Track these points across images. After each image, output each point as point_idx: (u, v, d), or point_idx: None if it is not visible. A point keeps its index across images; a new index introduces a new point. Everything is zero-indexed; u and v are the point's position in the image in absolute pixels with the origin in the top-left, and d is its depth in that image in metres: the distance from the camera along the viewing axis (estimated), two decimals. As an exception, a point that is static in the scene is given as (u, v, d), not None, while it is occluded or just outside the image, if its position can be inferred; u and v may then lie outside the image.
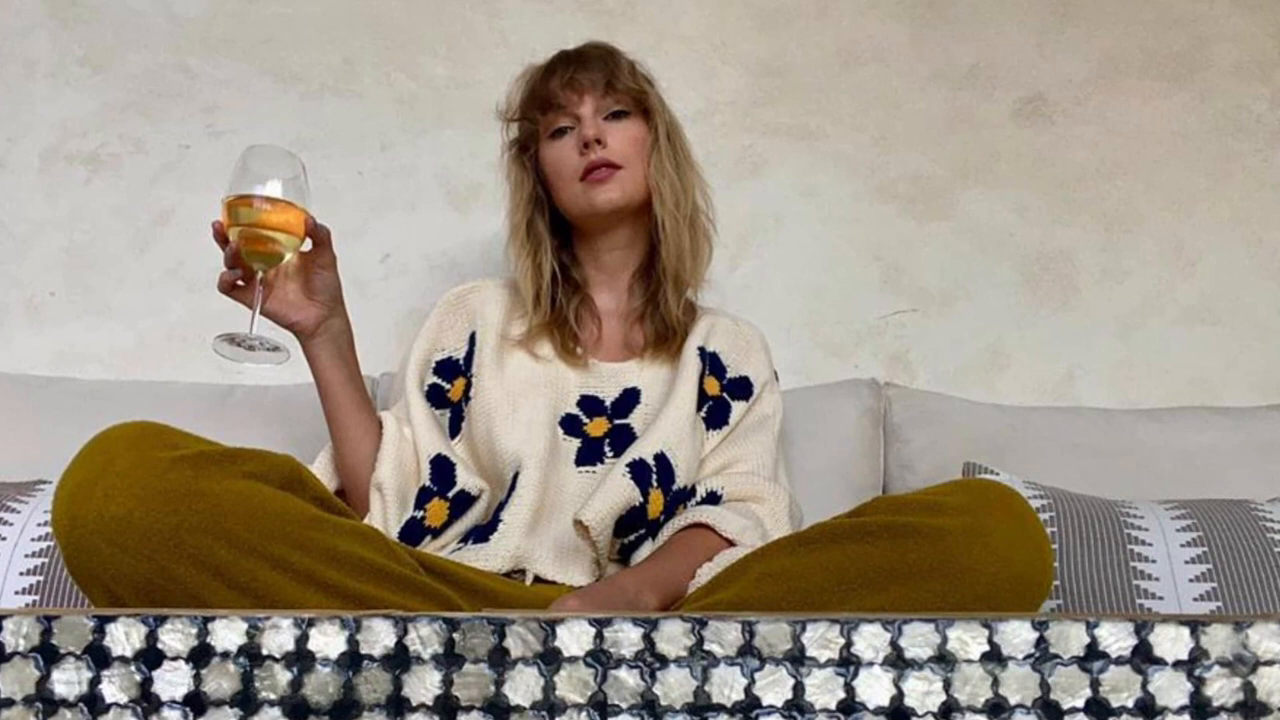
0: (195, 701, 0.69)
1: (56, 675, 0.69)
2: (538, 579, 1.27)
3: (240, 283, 1.26)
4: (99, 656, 0.69)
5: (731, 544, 1.26)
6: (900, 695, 0.69)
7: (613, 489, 1.26)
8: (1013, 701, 0.69)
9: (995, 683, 0.69)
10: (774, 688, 0.69)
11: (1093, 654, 0.70)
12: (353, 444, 1.35)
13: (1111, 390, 1.89)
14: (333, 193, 1.92)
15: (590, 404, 1.41)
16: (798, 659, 0.69)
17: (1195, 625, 0.70)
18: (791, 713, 0.69)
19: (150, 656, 0.69)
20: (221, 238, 1.23)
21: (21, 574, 1.37)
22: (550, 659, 0.69)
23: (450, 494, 1.33)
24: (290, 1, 2.01)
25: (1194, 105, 1.98)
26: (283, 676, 0.69)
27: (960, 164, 1.97)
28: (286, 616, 0.70)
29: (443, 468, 1.34)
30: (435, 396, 1.43)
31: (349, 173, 1.96)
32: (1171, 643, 0.70)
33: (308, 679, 0.69)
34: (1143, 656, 0.70)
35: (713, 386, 1.44)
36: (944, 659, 0.70)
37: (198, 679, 0.69)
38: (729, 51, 2.00)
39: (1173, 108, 1.98)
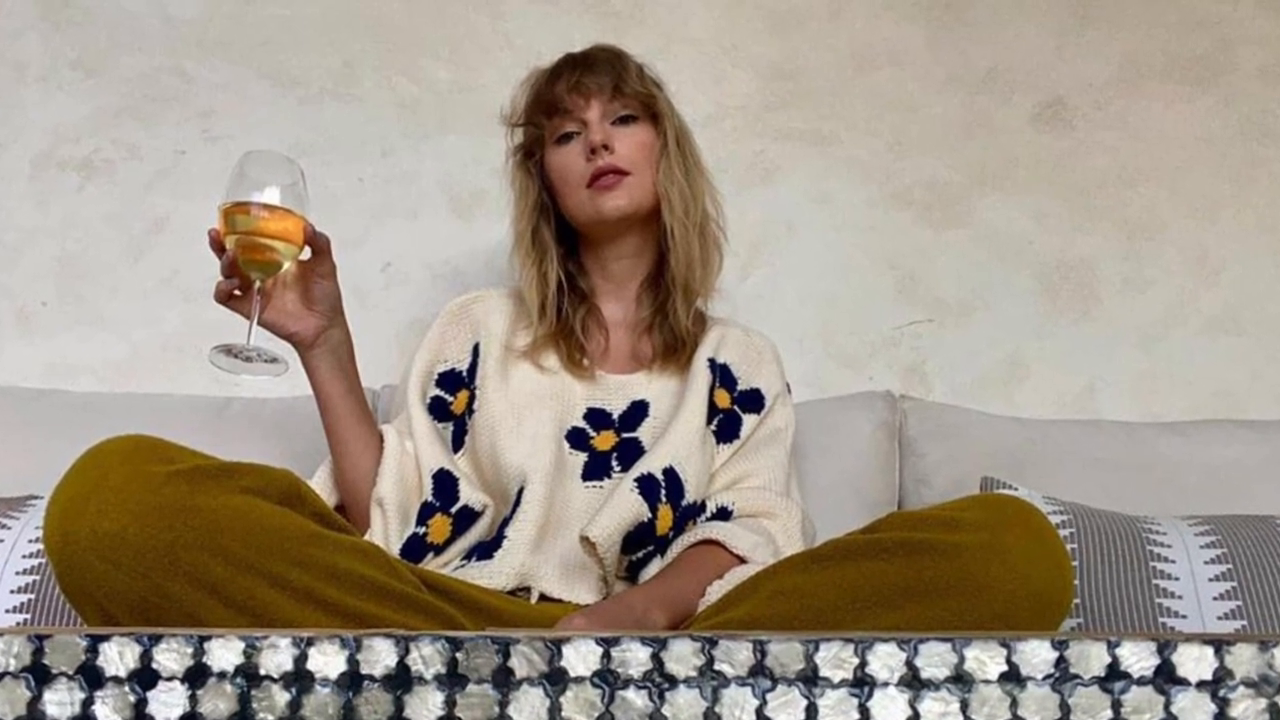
0: (190, 723, 0.68)
1: (48, 696, 0.68)
2: (543, 597, 1.26)
3: (237, 292, 1.25)
4: (92, 677, 0.68)
5: (742, 561, 1.25)
6: (916, 716, 0.68)
7: (620, 504, 1.25)
8: (1032, 723, 0.68)
9: (1014, 704, 0.68)
10: (786, 709, 0.68)
11: (1114, 674, 0.69)
12: (353, 458, 1.34)
13: (1133, 403, 1.87)
14: (332, 200, 1.90)
15: (597, 417, 1.40)
16: (810, 679, 0.68)
17: (1220, 645, 0.69)
18: (804, 735, 0.68)
19: (145, 677, 0.68)
20: (218, 246, 1.22)
21: (12, 592, 1.37)
22: (556, 679, 0.68)
23: (453, 509, 1.32)
24: (289, 3, 2.00)
25: (1218, 109, 1.96)
26: (281, 697, 0.68)
27: (978, 170, 1.95)
28: (285, 635, 0.69)
29: (445, 482, 1.33)
30: (438, 409, 1.42)
31: (349, 179, 1.95)
32: (1195, 663, 0.69)
33: (307, 700, 0.68)
34: (1165, 677, 0.69)
35: (723, 399, 1.43)
36: (961, 679, 0.68)
37: (193, 700, 0.68)
38: (739, 54, 1.99)
39: (1196, 112, 1.96)
